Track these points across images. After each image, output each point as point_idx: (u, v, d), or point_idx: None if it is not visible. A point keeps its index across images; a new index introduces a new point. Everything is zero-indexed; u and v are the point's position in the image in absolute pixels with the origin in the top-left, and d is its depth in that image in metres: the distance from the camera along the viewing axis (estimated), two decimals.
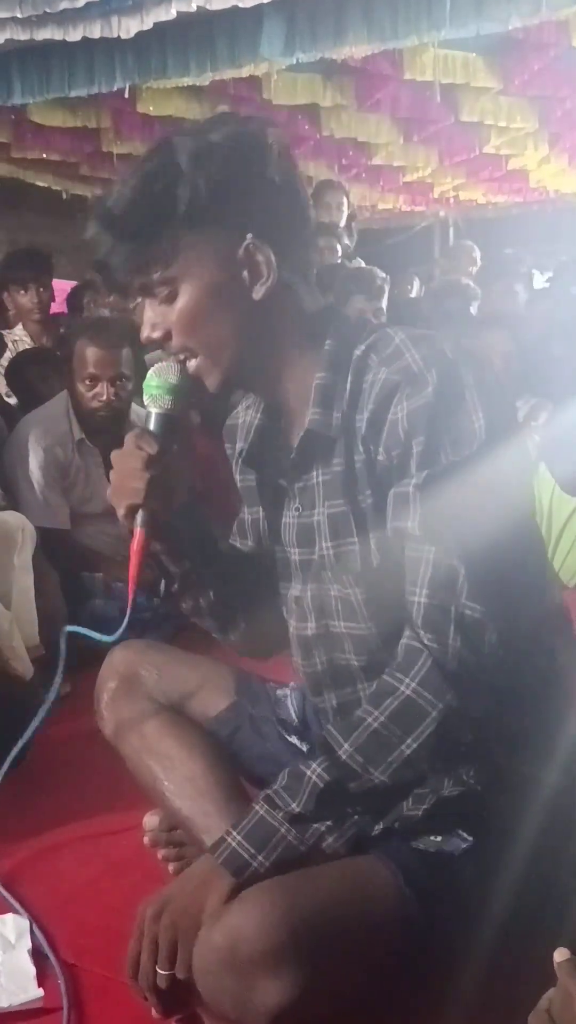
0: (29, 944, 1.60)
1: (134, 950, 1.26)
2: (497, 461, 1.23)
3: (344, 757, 1.25)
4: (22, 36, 4.26)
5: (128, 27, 4.17)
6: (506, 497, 1.25)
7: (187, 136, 1.30)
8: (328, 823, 1.26)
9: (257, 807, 1.28)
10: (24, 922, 1.65)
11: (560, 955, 1.00)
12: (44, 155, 6.91)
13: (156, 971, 1.24)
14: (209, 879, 1.24)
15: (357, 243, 5.54)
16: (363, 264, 5.85)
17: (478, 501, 1.22)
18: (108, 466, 3.25)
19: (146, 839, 1.79)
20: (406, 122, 6.49)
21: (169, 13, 4.06)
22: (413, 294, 5.78)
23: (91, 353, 3.14)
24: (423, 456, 1.22)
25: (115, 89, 4.78)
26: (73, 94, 4.87)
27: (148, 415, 1.37)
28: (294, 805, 1.25)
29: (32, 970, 1.54)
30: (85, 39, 4.27)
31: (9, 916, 1.66)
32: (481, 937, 1.24)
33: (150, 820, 1.80)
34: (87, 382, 3.15)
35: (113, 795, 2.01)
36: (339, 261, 4.67)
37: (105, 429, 3.16)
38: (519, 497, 1.29)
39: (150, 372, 1.36)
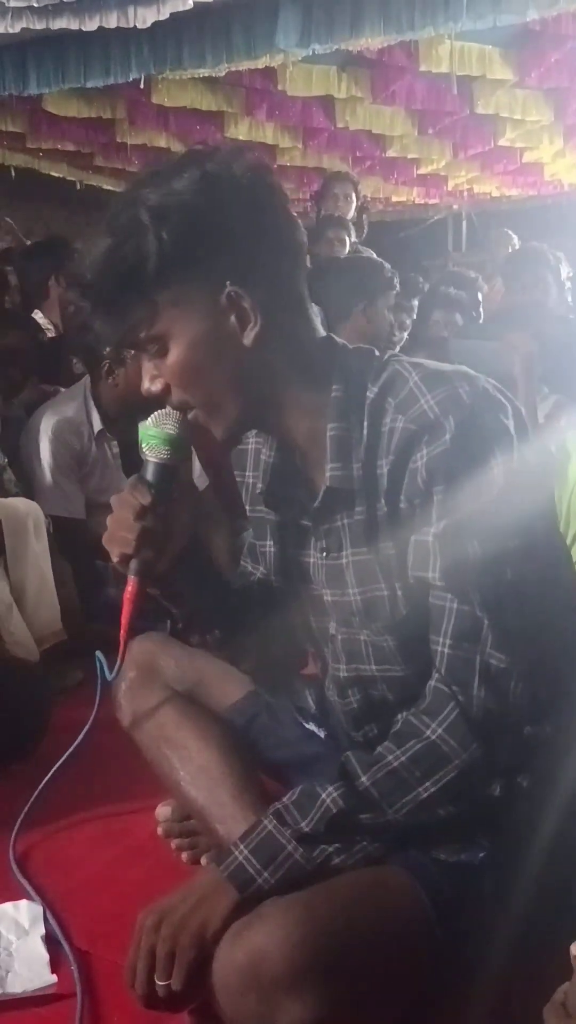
0: (43, 930, 1.61)
1: (132, 959, 1.25)
2: (519, 504, 1.22)
3: (361, 789, 1.25)
4: (38, 26, 4.24)
5: (144, 17, 4.15)
6: (529, 541, 1.24)
7: (149, 187, 1.26)
8: (337, 845, 1.25)
9: (266, 821, 1.28)
10: (38, 908, 1.65)
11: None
12: (59, 145, 6.90)
13: (154, 981, 1.23)
14: (212, 893, 1.24)
15: (370, 236, 5.53)
16: (374, 255, 5.85)
17: (500, 548, 1.21)
18: (127, 457, 3.28)
19: (159, 829, 1.80)
20: (421, 114, 6.45)
21: (186, 3, 4.04)
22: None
23: None
24: (443, 505, 1.21)
25: (131, 79, 4.77)
26: (89, 84, 4.85)
27: (145, 464, 1.35)
28: (303, 824, 1.25)
29: (46, 956, 1.55)
30: (101, 29, 4.25)
31: (23, 902, 1.67)
32: (500, 944, 1.23)
33: (163, 811, 1.81)
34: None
35: (127, 783, 2.02)
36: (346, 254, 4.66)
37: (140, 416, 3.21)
38: (543, 539, 1.28)
39: (149, 420, 1.34)
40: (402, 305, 4.85)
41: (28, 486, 3.15)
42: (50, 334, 4.26)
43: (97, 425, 3.25)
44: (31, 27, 4.28)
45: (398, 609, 1.31)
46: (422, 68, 5.37)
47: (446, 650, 1.24)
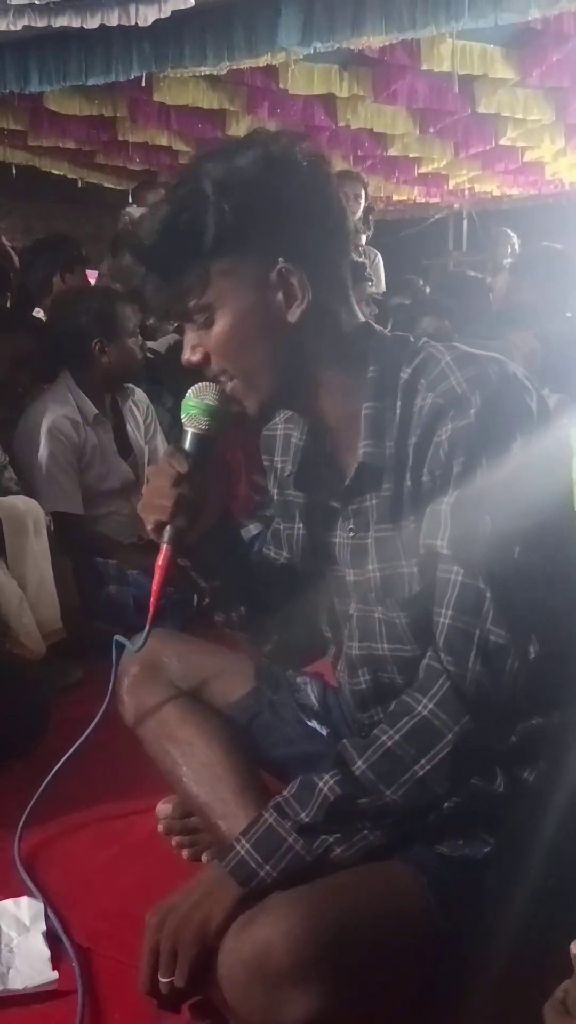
0: (44, 927, 1.61)
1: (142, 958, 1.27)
2: (535, 486, 1.23)
3: (357, 773, 1.25)
4: (40, 23, 4.25)
5: (146, 15, 4.15)
6: (541, 523, 1.24)
7: (214, 161, 1.29)
8: (337, 835, 1.26)
9: (266, 815, 1.28)
10: (39, 905, 1.66)
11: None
12: (60, 143, 6.90)
13: (158, 978, 1.25)
14: (214, 889, 1.25)
15: (372, 235, 5.53)
16: (378, 255, 5.85)
17: (512, 526, 1.22)
18: (119, 441, 3.32)
19: (160, 827, 1.80)
20: (422, 113, 6.46)
21: (187, 2, 4.05)
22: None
23: (132, 308, 3.36)
24: (460, 477, 1.23)
25: (132, 77, 4.77)
26: (91, 82, 4.86)
27: (184, 434, 1.38)
28: (303, 815, 1.25)
29: (47, 953, 1.55)
30: (103, 27, 4.26)
31: (24, 899, 1.67)
32: (502, 939, 1.24)
33: (163, 808, 1.81)
34: (136, 335, 3.42)
35: (128, 780, 2.02)
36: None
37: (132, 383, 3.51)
38: (555, 524, 1.27)
39: (189, 392, 1.37)
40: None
41: (27, 484, 3.16)
42: None
43: (92, 411, 3.29)
44: (33, 25, 4.28)
45: (413, 585, 1.32)
46: (423, 67, 5.38)
47: (447, 621, 1.25)
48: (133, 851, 1.87)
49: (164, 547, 1.36)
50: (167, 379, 3.89)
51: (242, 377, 1.33)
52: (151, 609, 1.42)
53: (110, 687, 1.64)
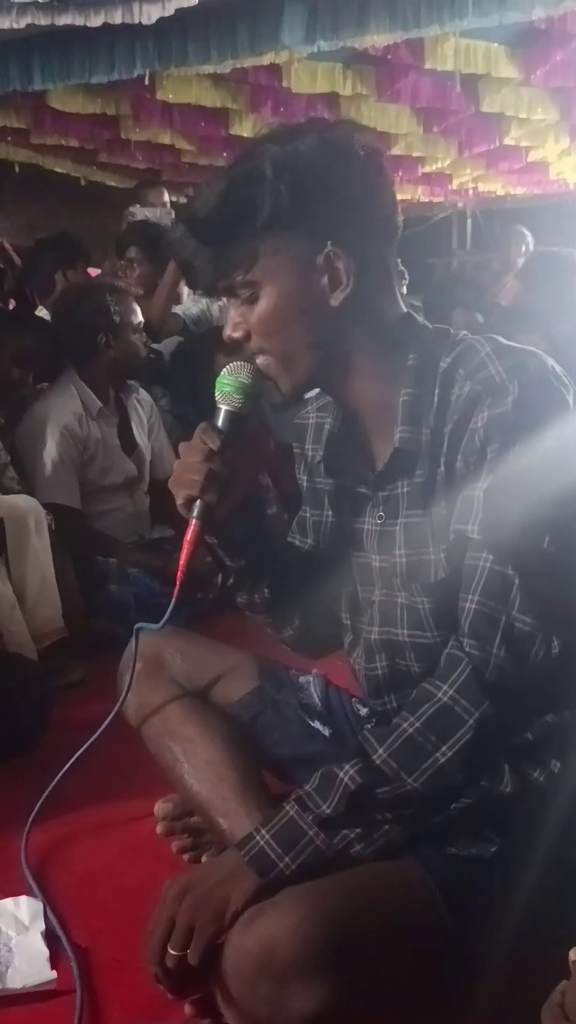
0: (43, 927, 1.61)
1: (152, 928, 1.28)
2: (568, 478, 1.23)
3: (378, 762, 1.26)
4: (43, 21, 4.22)
5: (149, 13, 4.14)
6: (573, 514, 1.24)
7: (274, 142, 1.33)
8: (358, 830, 1.26)
9: (288, 807, 1.29)
10: (38, 904, 1.65)
11: (574, 954, 1.01)
12: (63, 141, 6.88)
13: (167, 951, 1.25)
14: (235, 874, 1.26)
15: None
16: None
17: (544, 514, 1.22)
18: (123, 437, 3.37)
19: (159, 828, 1.79)
20: (426, 112, 6.43)
21: (190, 0, 4.04)
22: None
23: (136, 306, 3.47)
24: (494, 463, 1.24)
25: (135, 76, 4.76)
26: (94, 80, 4.83)
27: (217, 411, 1.39)
28: (325, 807, 1.26)
29: (46, 952, 1.55)
30: (106, 25, 4.24)
31: (23, 899, 1.67)
32: (508, 938, 1.24)
33: (163, 807, 1.81)
34: (139, 331, 3.47)
35: (128, 780, 2.02)
36: None
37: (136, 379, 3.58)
38: None
39: (225, 370, 1.39)
40: None
41: (29, 479, 3.16)
42: None
43: (96, 405, 3.30)
44: (36, 23, 4.26)
45: (439, 572, 1.33)
46: (427, 66, 5.36)
47: (473, 606, 1.26)
48: (133, 851, 1.87)
49: (193, 523, 1.38)
50: (171, 380, 3.89)
51: (280, 356, 1.35)
52: (177, 584, 1.43)
53: (129, 678, 1.63)
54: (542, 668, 1.25)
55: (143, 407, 3.61)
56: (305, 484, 1.58)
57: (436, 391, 1.32)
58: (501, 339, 1.34)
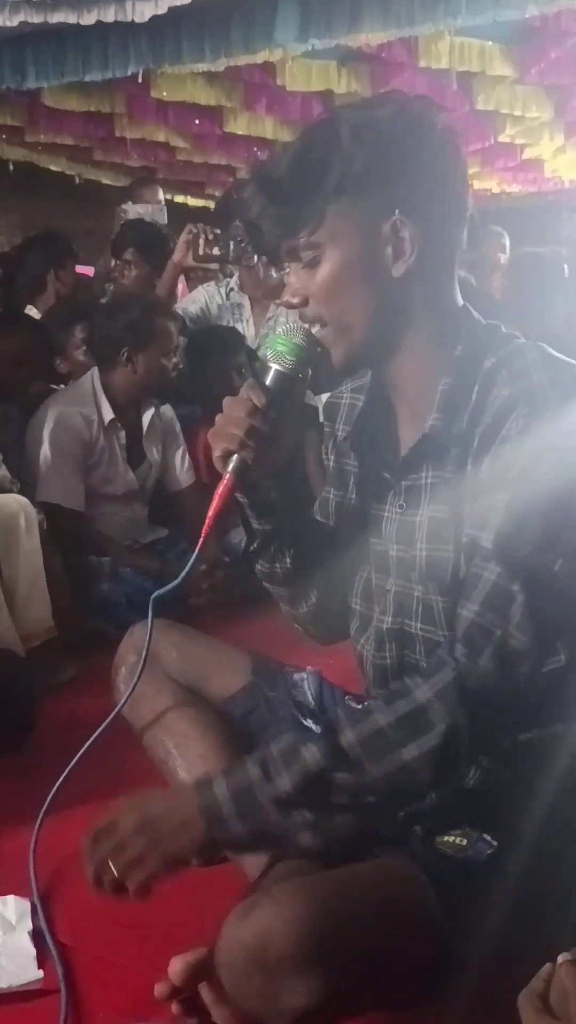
0: (30, 926, 1.61)
1: (97, 836, 1.31)
2: None
3: (344, 744, 1.25)
4: (36, 19, 4.22)
5: (143, 11, 4.13)
6: None
7: (352, 109, 1.34)
8: (310, 818, 1.25)
9: (251, 770, 1.28)
10: (24, 903, 1.66)
11: (563, 957, 1.01)
12: (57, 139, 6.88)
13: (108, 865, 1.28)
14: (189, 824, 1.27)
15: None
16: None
17: (562, 538, 1.22)
18: (129, 448, 3.37)
19: None
20: None
21: None
22: None
23: (173, 326, 3.41)
24: (522, 475, 1.23)
25: (129, 74, 4.75)
26: (88, 79, 4.83)
27: (266, 369, 1.39)
28: (281, 783, 1.25)
29: (32, 952, 1.55)
30: (99, 23, 4.23)
31: (10, 898, 1.67)
32: (502, 940, 1.24)
33: None
34: (171, 354, 3.39)
35: (117, 779, 2.01)
36: None
37: (156, 400, 3.49)
38: None
39: (280, 329, 1.41)
40: None
41: (32, 476, 3.16)
42: None
43: (108, 415, 3.29)
44: (29, 20, 4.26)
45: (458, 571, 1.32)
46: (421, 64, 5.35)
47: (471, 615, 1.25)
48: None
49: (227, 476, 1.38)
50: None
51: (336, 324, 1.34)
52: (203, 536, 1.42)
53: (140, 667, 1.60)
54: (530, 685, 1.24)
55: (161, 420, 3.58)
56: (332, 464, 1.58)
57: (476, 388, 1.31)
58: (549, 349, 1.33)
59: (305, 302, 1.35)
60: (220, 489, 1.39)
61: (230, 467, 1.38)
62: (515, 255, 4.92)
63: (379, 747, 1.24)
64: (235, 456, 1.37)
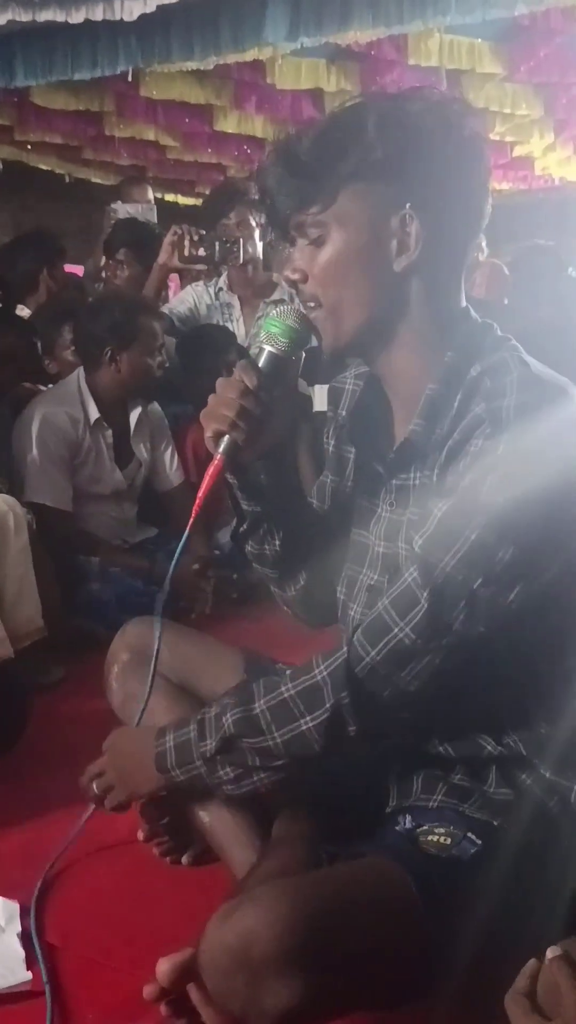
0: (19, 928, 1.60)
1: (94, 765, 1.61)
2: (541, 540, 1.23)
3: (256, 711, 1.36)
4: (24, 18, 4.22)
5: (131, 9, 4.13)
6: (528, 581, 1.24)
7: (384, 98, 1.36)
8: (231, 773, 1.40)
9: (193, 727, 1.43)
10: (14, 906, 1.65)
11: (552, 952, 1.01)
12: (47, 138, 6.87)
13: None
14: (144, 764, 1.49)
15: None
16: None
17: (492, 563, 1.22)
18: (116, 448, 3.35)
19: (141, 833, 1.78)
20: None
21: None
22: None
23: (158, 325, 3.39)
24: (466, 491, 1.24)
25: (118, 72, 4.75)
26: (76, 77, 4.83)
27: (260, 351, 1.40)
28: (208, 744, 1.40)
29: (21, 954, 1.55)
30: (88, 21, 4.23)
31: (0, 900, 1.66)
32: (488, 940, 1.24)
33: (147, 810, 1.79)
34: (156, 353, 3.36)
35: None
36: None
37: (142, 400, 3.46)
38: (544, 586, 1.26)
39: (273, 312, 1.41)
40: None
41: (19, 480, 3.15)
42: None
43: (94, 415, 3.28)
44: (17, 19, 4.26)
45: None
46: (411, 62, 5.37)
47: (380, 609, 1.29)
48: (111, 850, 1.86)
49: (217, 456, 1.39)
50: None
51: (331, 308, 1.35)
52: (192, 515, 1.43)
53: (153, 661, 1.59)
54: (416, 681, 1.28)
55: (149, 419, 3.57)
56: (331, 448, 1.58)
57: (459, 395, 1.32)
58: (536, 365, 1.32)
59: (304, 279, 1.36)
60: (210, 469, 1.40)
61: (221, 448, 1.38)
62: (521, 248, 4.92)
63: (283, 715, 1.34)
64: (226, 437, 1.38)
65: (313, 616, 1.66)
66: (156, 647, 1.58)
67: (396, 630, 1.26)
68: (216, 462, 1.39)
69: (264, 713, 1.35)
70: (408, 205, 1.30)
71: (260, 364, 1.39)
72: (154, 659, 1.58)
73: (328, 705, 1.30)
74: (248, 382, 1.37)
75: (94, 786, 1.59)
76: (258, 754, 1.37)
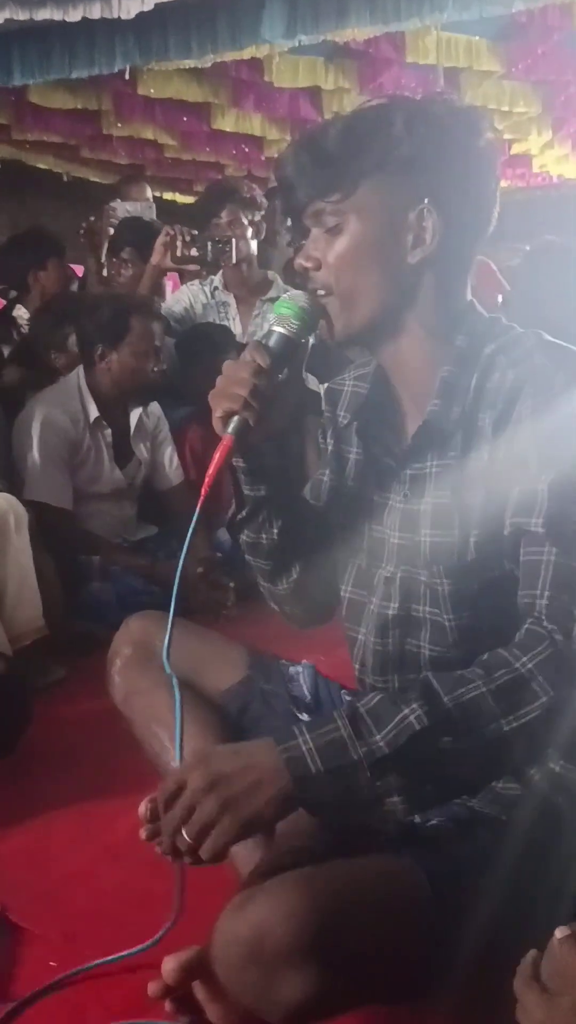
0: None
1: (164, 799, 1.21)
2: None
3: (444, 707, 1.20)
4: (21, 16, 4.20)
5: (128, 8, 4.12)
6: None
7: (407, 99, 1.39)
8: (402, 783, 1.20)
9: (340, 725, 1.20)
10: None
11: (561, 932, 1.00)
12: (44, 137, 6.86)
13: (180, 834, 1.19)
14: (269, 778, 1.18)
15: None
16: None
17: None
18: (116, 447, 3.34)
19: (143, 832, 1.78)
20: None
21: None
22: None
23: (153, 327, 3.35)
24: (549, 455, 1.24)
25: (116, 71, 4.74)
26: (74, 76, 4.82)
27: (270, 333, 1.40)
28: (380, 741, 1.18)
29: None
30: (85, 20, 4.22)
31: None
32: (498, 934, 1.23)
33: (147, 809, 1.79)
34: (149, 355, 3.32)
35: (108, 779, 2.02)
36: None
37: (144, 402, 3.45)
38: None
39: (283, 296, 1.42)
40: None
41: (19, 478, 3.15)
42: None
43: (93, 413, 3.28)
44: (15, 18, 4.24)
45: (464, 555, 1.33)
46: (409, 59, 5.37)
47: (544, 601, 1.25)
48: (112, 851, 1.86)
49: (227, 437, 1.37)
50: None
51: (343, 296, 1.37)
52: (201, 497, 1.40)
53: (183, 554, 1.48)
54: None
55: (150, 419, 3.56)
56: (330, 447, 1.59)
57: (475, 374, 1.34)
58: (546, 335, 1.36)
59: (318, 266, 1.38)
60: (219, 450, 1.37)
61: (230, 428, 1.37)
62: (536, 243, 4.93)
63: (479, 713, 1.20)
64: (236, 417, 1.37)
65: (302, 613, 1.65)
66: (167, 637, 1.45)
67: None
68: (225, 442, 1.38)
69: (453, 711, 1.20)
70: (427, 200, 1.33)
71: (271, 344, 1.40)
72: (166, 648, 1.45)
73: (543, 700, 1.20)
74: (261, 361, 1.37)
75: (183, 834, 1.20)
76: (447, 758, 1.21)
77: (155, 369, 3.38)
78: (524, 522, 1.27)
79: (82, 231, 4.23)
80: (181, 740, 1.36)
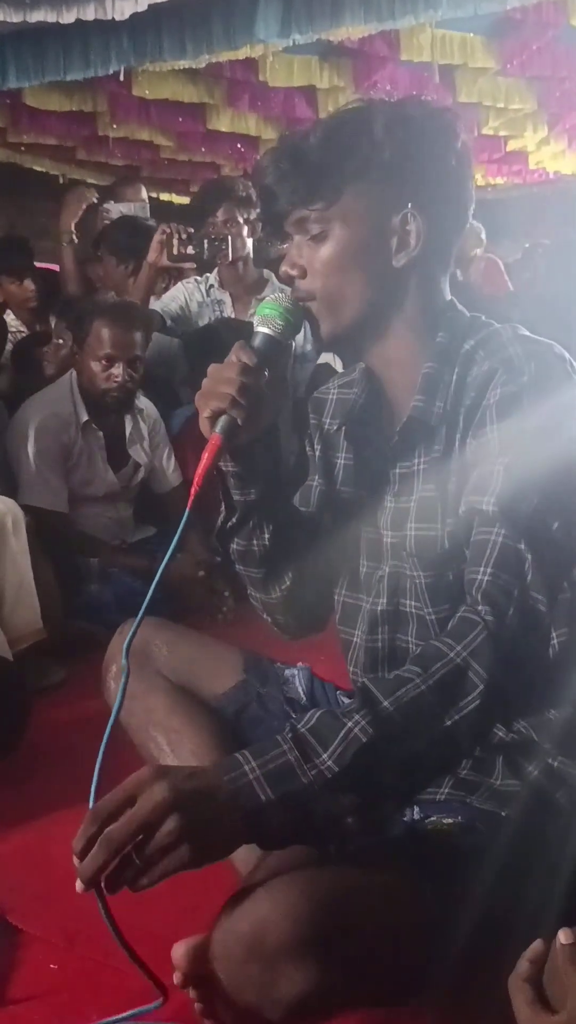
0: None
1: (102, 812, 1.13)
2: None
3: (384, 715, 1.17)
4: (15, 19, 4.20)
5: (122, 9, 4.12)
6: None
7: (386, 104, 1.40)
8: (357, 800, 1.17)
9: (285, 748, 1.15)
10: None
11: (566, 937, 1.00)
12: (40, 139, 6.86)
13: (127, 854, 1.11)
14: (223, 816, 1.12)
15: None
16: None
17: (557, 498, 1.24)
18: (110, 450, 3.34)
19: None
20: None
21: None
22: None
23: (109, 334, 3.18)
24: (512, 439, 1.27)
25: (111, 72, 4.74)
26: (69, 78, 4.81)
27: (255, 334, 1.41)
28: (328, 760, 1.14)
29: None
30: (79, 21, 4.22)
31: None
32: (496, 930, 1.23)
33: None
34: (103, 362, 3.20)
35: (107, 783, 2.01)
36: None
37: (113, 410, 3.30)
38: None
39: (268, 298, 1.43)
40: None
41: (12, 481, 3.15)
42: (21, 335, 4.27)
43: (83, 416, 3.27)
44: (8, 20, 4.24)
45: (442, 546, 1.35)
46: (403, 57, 5.35)
47: (485, 578, 1.24)
48: None
49: (215, 436, 1.36)
50: (149, 378, 3.83)
51: (328, 301, 1.39)
52: (191, 497, 1.38)
53: (172, 545, 1.44)
54: (547, 653, 1.26)
55: (145, 422, 3.55)
56: (318, 455, 1.60)
57: (456, 369, 1.37)
58: (525, 331, 1.38)
59: (303, 274, 1.39)
60: (208, 449, 1.36)
61: (218, 427, 1.36)
62: (534, 243, 4.94)
63: (421, 713, 1.18)
64: (224, 416, 1.36)
65: (294, 622, 1.65)
66: (132, 630, 1.36)
67: (516, 590, 1.22)
68: (213, 440, 1.37)
69: (394, 716, 1.16)
70: (410, 205, 1.35)
71: (256, 344, 1.40)
72: (128, 640, 1.36)
73: (481, 688, 1.18)
74: (248, 360, 1.37)
75: (134, 855, 1.11)
76: (396, 766, 1.18)
77: (117, 379, 3.22)
78: (477, 500, 1.27)
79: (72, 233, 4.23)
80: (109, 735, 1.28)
